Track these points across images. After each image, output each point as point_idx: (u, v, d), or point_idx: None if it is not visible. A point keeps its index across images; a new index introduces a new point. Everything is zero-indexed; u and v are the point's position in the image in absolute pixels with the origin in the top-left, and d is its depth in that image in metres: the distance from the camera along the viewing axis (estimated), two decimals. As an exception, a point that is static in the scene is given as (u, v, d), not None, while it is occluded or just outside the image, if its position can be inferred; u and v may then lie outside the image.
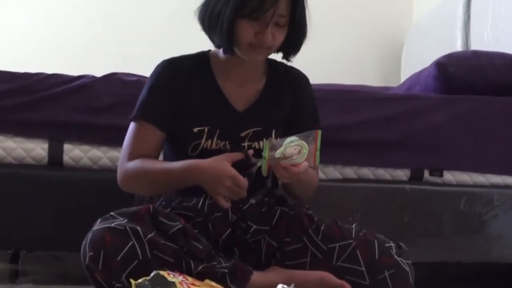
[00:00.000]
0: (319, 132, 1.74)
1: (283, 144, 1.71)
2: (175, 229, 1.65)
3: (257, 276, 1.70)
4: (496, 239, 2.64)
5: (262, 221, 1.87)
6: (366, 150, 2.61)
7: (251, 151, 1.77)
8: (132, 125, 1.92)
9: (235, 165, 1.73)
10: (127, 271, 1.56)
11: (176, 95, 1.90)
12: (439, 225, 2.62)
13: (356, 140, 2.60)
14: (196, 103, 1.91)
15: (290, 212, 1.90)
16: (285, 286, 1.53)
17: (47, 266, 2.50)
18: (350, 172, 2.62)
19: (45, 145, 2.43)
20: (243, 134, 1.90)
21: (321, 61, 4.65)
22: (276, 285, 1.55)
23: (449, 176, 2.68)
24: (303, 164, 1.71)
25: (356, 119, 2.62)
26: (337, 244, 1.77)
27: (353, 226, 1.85)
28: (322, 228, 1.82)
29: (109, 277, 1.57)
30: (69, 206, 2.40)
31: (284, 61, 2.01)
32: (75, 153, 2.44)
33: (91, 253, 1.56)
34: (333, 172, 2.59)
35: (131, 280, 1.43)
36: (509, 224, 2.66)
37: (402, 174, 2.65)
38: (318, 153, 1.75)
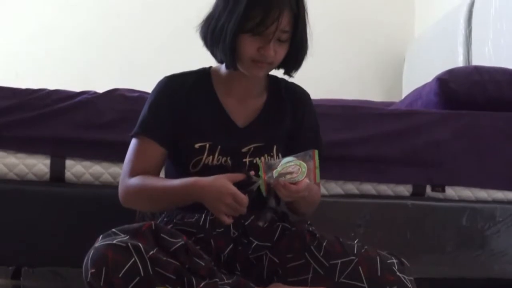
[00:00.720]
0: (316, 151, 1.76)
1: (280, 164, 1.73)
2: (177, 245, 1.64)
3: (259, 293, 1.70)
4: (498, 254, 2.63)
5: (263, 237, 1.87)
6: (368, 166, 2.61)
7: (252, 172, 1.77)
8: (133, 141, 1.92)
9: (236, 182, 1.73)
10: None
11: (177, 111, 1.91)
12: (441, 241, 2.61)
13: (358, 155, 2.60)
14: (197, 119, 1.92)
15: (292, 229, 1.89)
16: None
17: (48, 282, 2.49)
18: (352, 187, 2.61)
19: (47, 161, 2.42)
20: (244, 149, 1.91)
21: (322, 76, 4.67)
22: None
23: (451, 191, 2.67)
24: (304, 181, 1.72)
25: (358, 135, 2.62)
26: (339, 261, 1.77)
27: (355, 242, 1.84)
28: (324, 244, 1.81)
29: (111, 294, 1.57)
30: (71, 222, 2.40)
31: (286, 77, 2.01)
32: (77, 169, 2.44)
33: (93, 270, 1.56)
34: (335, 187, 2.59)
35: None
36: (512, 240, 2.66)
37: (404, 189, 2.64)
38: (317, 171, 1.75)
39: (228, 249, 1.84)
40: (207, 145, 1.88)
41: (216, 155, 1.88)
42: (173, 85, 1.95)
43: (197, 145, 1.88)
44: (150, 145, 1.89)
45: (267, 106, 2.00)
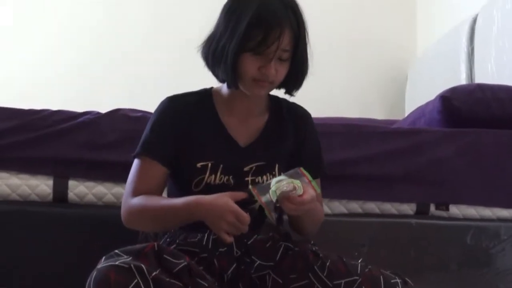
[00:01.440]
0: (302, 168, 1.78)
1: (272, 183, 1.73)
2: (180, 266, 1.64)
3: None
4: (503, 273, 2.61)
5: (266, 256, 1.86)
6: (372, 184, 2.60)
7: (255, 190, 1.76)
8: (135, 162, 1.93)
9: (238, 201, 1.73)
10: (132, 309, 1.55)
11: (179, 131, 1.91)
12: (445, 260, 2.60)
13: (361, 174, 2.60)
14: (199, 139, 1.92)
15: (295, 248, 1.89)
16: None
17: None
18: (355, 206, 2.60)
19: (50, 182, 2.42)
20: (246, 168, 1.91)
21: (325, 94, 4.68)
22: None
23: (455, 210, 2.67)
24: (308, 192, 1.72)
25: (362, 153, 2.62)
26: (343, 281, 1.76)
27: (359, 261, 1.84)
28: (328, 264, 1.80)
29: (114, 316, 1.56)
30: (73, 243, 2.39)
31: (287, 97, 2.02)
32: (80, 189, 2.44)
33: (95, 291, 1.55)
34: (339, 207, 2.58)
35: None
36: (517, 258, 2.64)
37: (408, 208, 2.64)
38: (313, 183, 1.77)
39: (231, 268, 1.84)
40: (209, 164, 1.88)
41: (218, 174, 1.88)
42: (175, 105, 1.96)
43: (199, 165, 1.88)
44: (152, 165, 1.89)
45: (269, 125, 2.01)
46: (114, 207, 2.33)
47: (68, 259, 2.38)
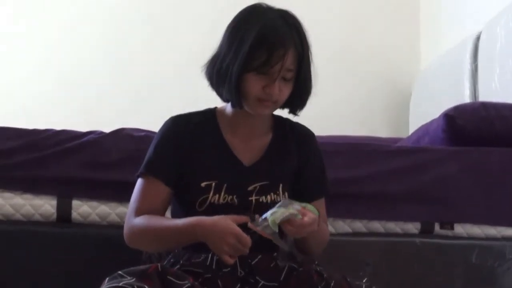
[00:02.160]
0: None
1: (269, 214, 1.72)
2: None
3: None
4: (509, 292, 2.61)
5: (270, 277, 1.85)
6: (376, 203, 2.60)
7: (257, 215, 1.76)
8: (139, 181, 1.93)
9: (240, 224, 1.73)
10: (135, 331, 1.55)
11: (183, 151, 1.92)
12: (450, 279, 2.58)
13: (366, 193, 2.59)
14: (203, 158, 1.93)
15: (299, 269, 1.88)
16: None
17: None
18: (360, 226, 2.59)
19: (54, 202, 2.42)
20: (250, 188, 1.91)
21: (329, 112, 4.68)
22: None
23: (460, 229, 2.65)
24: (309, 216, 1.72)
25: (366, 172, 2.61)
26: (348, 301, 1.76)
27: (363, 281, 1.84)
28: (332, 284, 1.80)
29: (117, 337, 1.56)
30: (77, 263, 2.38)
31: (291, 116, 2.02)
32: (84, 209, 2.43)
33: (99, 313, 1.55)
34: (343, 226, 2.57)
35: None
36: (522, 277, 2.63)
37: (413, 227, 2.62)
38: (309, 207, 1.77)
39: (236, 289, 1.83)
40: (213, 184, 1.88)
41: (222, 193, 1.88)
42: (179, 125, 1.97)
43: (203, 184, 1.88)
44: (156, 185, 1.90)
45: (272, 145, 2.01)
46: (118, 227, 2.31)
47: (71, 279, 2.37)
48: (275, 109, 1.94)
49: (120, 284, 1.58)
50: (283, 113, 2.01)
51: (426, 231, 2.63)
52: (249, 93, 1.84)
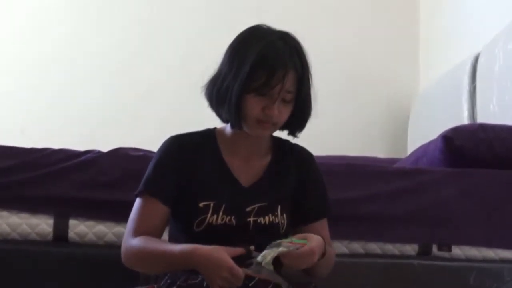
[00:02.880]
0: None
1: (260, 257, 1.72)
2: (179, 309, 1.63)
3: None
4: (507, 315, 2.60)
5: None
6: (374, 225, 2.59)
7: (252, 247, 1.76)
8: (137, 201, 1.93)
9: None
10: None
11: (182, 171, 1.92)
12: (449, 301, 2.58)
13: (363, 214, 2.58)
14: (201, 178, 1.92)
15: (297, 291, 1.87)
16: None
17: None
18: (357, 247, 2.58)
19: (50, 221, 2.41)
20: (248, 209, 1.91)
21: (327, 132, 4.67)
22: None
23: (458, 251, 2.64)
24: (304, 249, 1.73)
25: (364, 193, 2.61)
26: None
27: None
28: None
29: None
30: (73, 283, 2.37)
31: (290, 137, 2.02)
32: (81, 228, 2.42)
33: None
34: (340, 247, 2.56)
35: None
36: (520, 299, 2.62)
37: (410, 249, 2.61)
38: (297, 240, 1.77)
39: (232, 310, 1.82)
40: (211, 204, 1.88)
41: (220, 214, 1.88)
42: (178, 144, 1.97)
43: (201, 204, 1.88)
44: (154, 204, 1.89)
45: (272, 166, 2.01)
46: (115, 247, 2.30)
47: (67, 300, 2.36)
48: (274, 130, 1.94)
49: (117, 305, 1.58)
50: (283, 134, 2.01)
51: (424, 252, 2.62)
52: (248, 114, 1.84)
